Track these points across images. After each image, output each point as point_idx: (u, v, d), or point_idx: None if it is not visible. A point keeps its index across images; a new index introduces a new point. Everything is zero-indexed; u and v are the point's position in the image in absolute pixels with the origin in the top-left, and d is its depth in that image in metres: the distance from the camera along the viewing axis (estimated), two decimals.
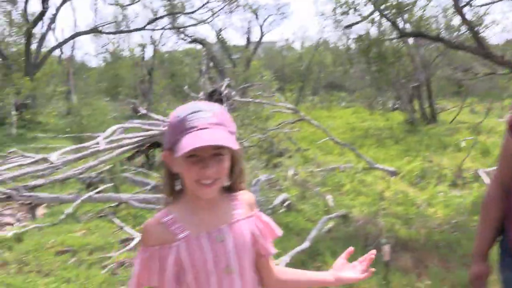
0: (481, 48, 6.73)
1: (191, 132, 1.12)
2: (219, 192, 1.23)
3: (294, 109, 6.98)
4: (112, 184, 5.92)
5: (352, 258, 1.39)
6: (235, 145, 1.12)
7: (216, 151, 1.14)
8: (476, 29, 7.14)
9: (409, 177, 6.39)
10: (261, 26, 20.15)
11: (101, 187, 5.67)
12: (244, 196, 1.31)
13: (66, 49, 21.78)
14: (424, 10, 8.16)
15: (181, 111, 1.17)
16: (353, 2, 5.93)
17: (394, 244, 4.08)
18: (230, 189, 1.30)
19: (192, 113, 1.15)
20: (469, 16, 8.11)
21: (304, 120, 7.22)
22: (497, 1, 6.65)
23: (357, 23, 5.53)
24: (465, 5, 6.81)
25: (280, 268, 1.40)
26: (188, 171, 1.15)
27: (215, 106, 1.20)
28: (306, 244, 3.84)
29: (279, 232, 1.31)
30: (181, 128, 1.14)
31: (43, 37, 16.68)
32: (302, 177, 6.39)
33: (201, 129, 1.12)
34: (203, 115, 1.14)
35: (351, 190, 5.97)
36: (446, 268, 3.59)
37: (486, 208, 1.64)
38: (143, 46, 21.37)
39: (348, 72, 17.22)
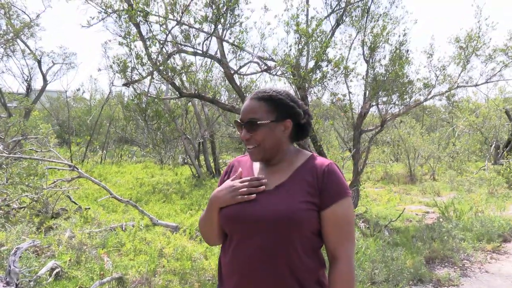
0: None
1: None
2: None
3: (72, 165, 6.52)
4: None
5: None
6: None
7: None
8: (245, 94, 8.14)
9: (189, 231, 6.60)
10: (44, 74, 18.55)
11: None
12: None
13: None
14: (207, 74, 8.95)
15: None
16: (136, 60, 6.08)
17: None
18: None
19: None
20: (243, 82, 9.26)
21: (83, 177, 6.81)
22: (259, 72, 7.73)
23: (135, 81, 5.65)
24: (234, 73, 7.72)
25: None
26: None
27: None
28: None
29: None
30: None
31: None
32: (78, 240, 5.92)
33: None
34: None
35: (132, 249, 5.81)
36: None
37: None
38: None
39: (138, 127, 17.27)
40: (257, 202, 1.59)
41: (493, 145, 17.28)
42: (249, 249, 1.57)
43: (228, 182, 1.70)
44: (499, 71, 8.59)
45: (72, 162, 17.21)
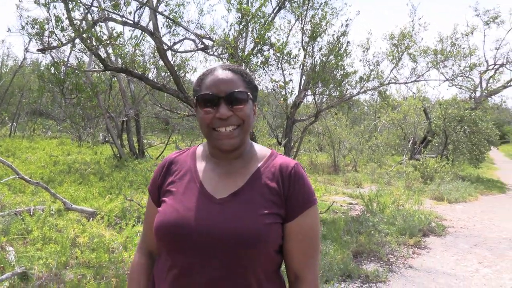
0: (180, 92, 7.19)
1: None
2: None
3: None
4: None
5: None
6: None
7: None
8: (178, 73, 7.62)
9: (108, 218, 6.03)
10: None
11: None
12: None
13: None
14: (136, 47, 8.23)
15: None
16: (55, 24, 5.32)
17: None
18: None
19: None
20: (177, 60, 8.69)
21: None
22: (195, 51, 7.25)
23: (53, 48, 4.91)
24: (168, 49, 7.16)
25: None
26: None
27: None
28: None
29: None
30: None
31: None
32: None
33: None
34: None
35: (40, 237, 5.14)
36: None
37: (133, 280, 1.42)
38: None
39: (55, 100, 15.87)
40: (209, 215, 1.22)
41: (411, 141, 18.28)
42: (197, 276, 1.20)
43: None
44: (427, 70, 8.89)
45: None
